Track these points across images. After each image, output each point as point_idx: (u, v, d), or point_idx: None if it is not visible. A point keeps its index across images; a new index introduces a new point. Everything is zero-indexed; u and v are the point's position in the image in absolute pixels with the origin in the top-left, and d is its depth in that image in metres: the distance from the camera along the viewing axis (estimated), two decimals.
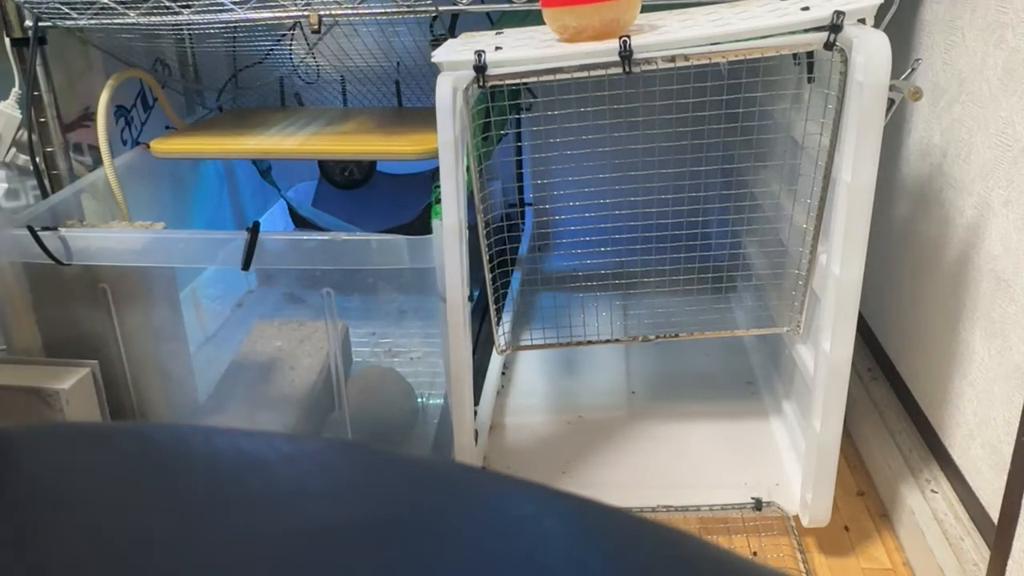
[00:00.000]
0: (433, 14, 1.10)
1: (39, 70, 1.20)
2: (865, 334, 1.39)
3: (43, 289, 1.12)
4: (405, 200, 1.77)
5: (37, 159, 1.21)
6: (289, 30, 1.48)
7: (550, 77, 0.86)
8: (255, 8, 1.09)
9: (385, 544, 0.15)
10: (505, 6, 1.09)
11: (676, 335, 1.18)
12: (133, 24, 1.13)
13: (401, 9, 1.07)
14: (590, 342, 1.19)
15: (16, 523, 0.15)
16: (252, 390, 1.21)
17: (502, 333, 1.16)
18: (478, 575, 0.15)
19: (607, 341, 1.20)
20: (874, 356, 1.37)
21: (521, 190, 1.80)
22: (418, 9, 1.08)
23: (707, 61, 0.84)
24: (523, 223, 1.80)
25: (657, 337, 1.18)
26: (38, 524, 0.15)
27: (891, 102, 0.85)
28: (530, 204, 1.80)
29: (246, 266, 1.01)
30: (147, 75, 1.38)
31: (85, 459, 0.18)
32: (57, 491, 0.16)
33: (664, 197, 1.18)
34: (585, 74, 0.85)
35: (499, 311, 1.15)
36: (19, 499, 0.16)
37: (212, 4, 1.10)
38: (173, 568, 0.14)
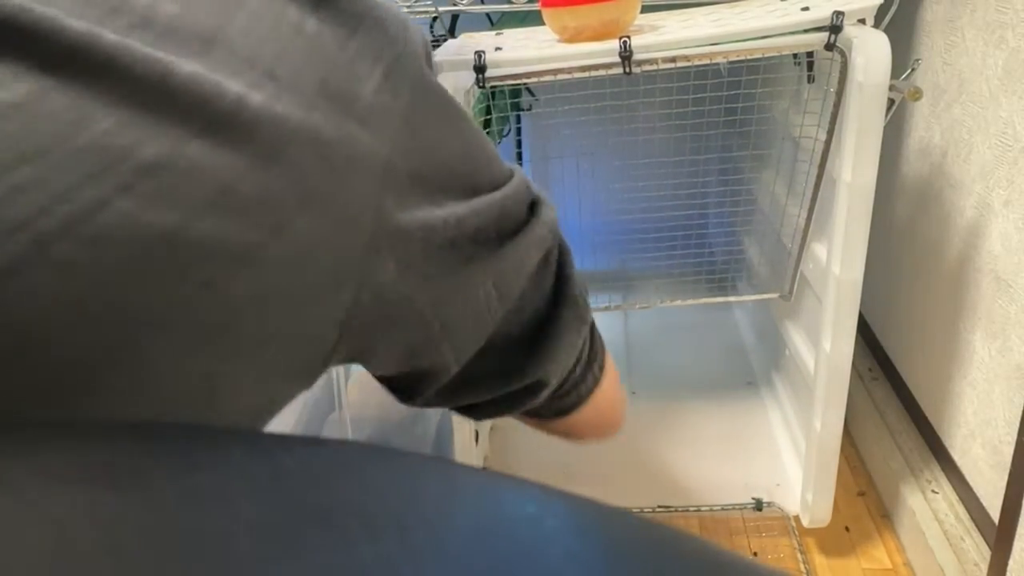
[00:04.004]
0: (433, 15, 1.10)
1: None
2: (865, 334, 1.39)
3: None
4: None
5: None
6: None
7: (550, 77, 0.86)
8: None
9: (384, 542, 0.15)
10: (505, 7, 1.09)
11: (673, 300, 1.19)
12: None
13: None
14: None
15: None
16: None
17: None
18: (478, 574, 0.15)
19: (605, 308, 1.22)
20: (874, 356, 1.37)
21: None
22: (418, 10, 1.08)
23: (707, 61, 0.84)
24: None
25: (657, 304, 1.19)
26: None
27: (891, 102, 0.85)
28: None
29: None
30: None
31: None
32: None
33: (663, 191, 1.18)
34: (585, 75, 0.85)
35: None
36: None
37: None
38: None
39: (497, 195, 0.32)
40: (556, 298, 0.37)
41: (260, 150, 0.23)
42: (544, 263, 0.36)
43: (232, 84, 0.22)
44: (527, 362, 0.36)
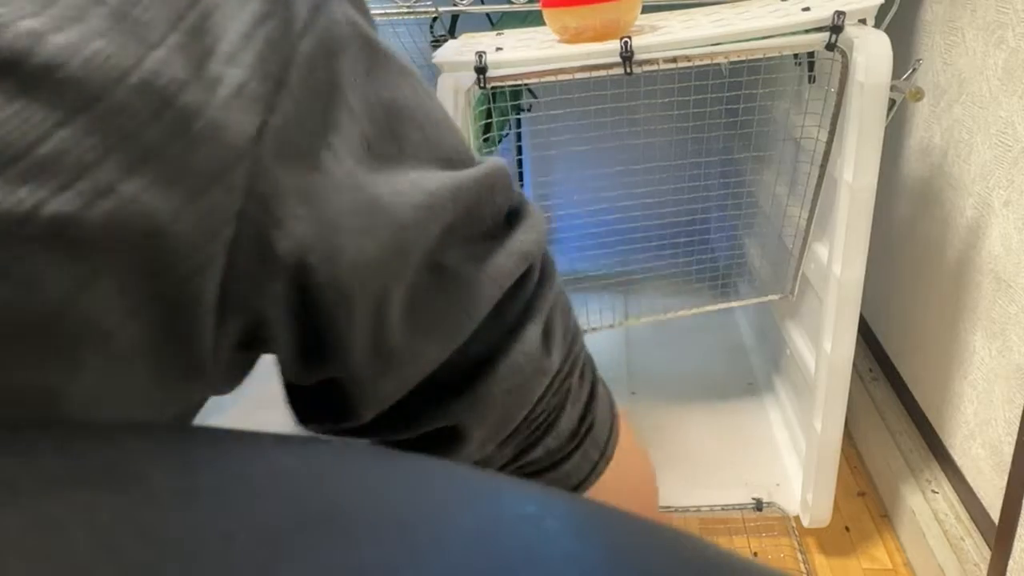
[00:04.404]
0: (433, 15, 1.10)
1: None
2: (865, 334, 1.39)
3: None
4: None
5: None
6: None
7: (551, 78, 0.86)
8: None
9: (385, 542, 0.15)
10: (505, 7, 1.09)
11: (676, 312, 1.19)
12: None
13: (401, 10, 1.08)
14: (593, 329, 1.20)
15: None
16: (252, 390, 1.21)
17: None
18: (478, 574, 0.15)
19: (609, 326, 1.21)
20: (874, 356, 1.37)
21: (521, 187, 1.80)
22: (418, 10, 1.08)
23: (708, 62, 0.84)
24: None
25: (655, 317, 1.19)
26: None
27: (892, 102, 0.85)
28: None
29: None
30: None
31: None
32: None
33: (663, 188, 1.18)
34: (586, 75, 0.85)
35: None
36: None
37: None
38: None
39: (444, 177, 0.26)
40: (512, 329, 0.29)
41: (63, 100, 0.18)
42: (510, 295, 0.29)
43: (28, 21, 0.18)
44: (445, 399, 0.29)
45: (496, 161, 0.28)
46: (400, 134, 0.25)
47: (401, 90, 0.25)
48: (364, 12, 0.25)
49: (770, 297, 1.20)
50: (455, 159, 0.27)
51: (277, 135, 0.22)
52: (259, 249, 0.22)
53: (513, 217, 0.29)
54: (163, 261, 0.20)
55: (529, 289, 0.29)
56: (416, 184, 0.25)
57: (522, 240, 0.28)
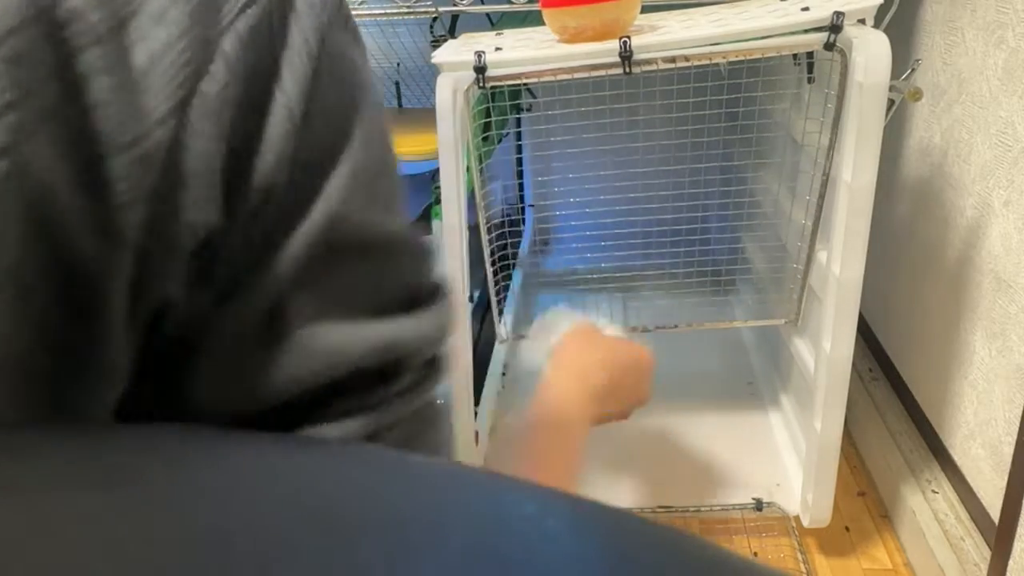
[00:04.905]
0: (433, 15, 1.10)
1: None
2: (865, 334, 1.39)
3: None
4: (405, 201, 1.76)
5: None
6: None
7: (550, 77, 0.86)
8: None
9: (384, 541, 0.15)
10: (505, 7, 1.09)
11: (675, 326, 1.18)
12: None
13: (401, 10, 1.08)
14: None
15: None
16: None
17: (503, 324, 1.16)
18: (478, 574, 0.15)
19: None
20: (874, 356, 1.37)
21: (521, 187, 1.80)
22: (418, 10, 1.08)
23: (707, 62, 0.84)
24: (523, 223, 1.80)
25: (656, 328, 1.18)
26: None
27: (891, 103, 0.85)
28: (531, 205, 1.80)
29: None
30: None
31: None
32: None
33: (664, 194, 1.18)
34: (585, 75, 0.85)
35: (501, 302, 1.15)
36: None
37: None
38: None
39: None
40: (327, 422, 0.23)
41: None
42: (350, 387, 0.23)
43: None
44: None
45: (417, 233, 0.25)
46: (341, 129, 0.22)
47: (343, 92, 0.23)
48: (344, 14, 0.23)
49: (773, 321, 1.20)
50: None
51: (203, 107, 0.19)
52: (174, 231, 0.20)
53: (414, 303, 0.24)
54: (60, 237, 0.18)
55: (380, 394, 0.23)
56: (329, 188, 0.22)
57: (399, 327, 0.23)
